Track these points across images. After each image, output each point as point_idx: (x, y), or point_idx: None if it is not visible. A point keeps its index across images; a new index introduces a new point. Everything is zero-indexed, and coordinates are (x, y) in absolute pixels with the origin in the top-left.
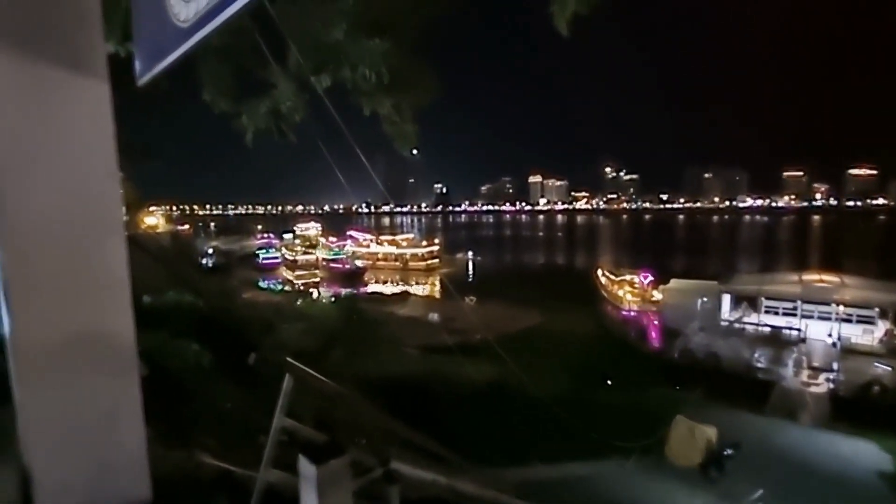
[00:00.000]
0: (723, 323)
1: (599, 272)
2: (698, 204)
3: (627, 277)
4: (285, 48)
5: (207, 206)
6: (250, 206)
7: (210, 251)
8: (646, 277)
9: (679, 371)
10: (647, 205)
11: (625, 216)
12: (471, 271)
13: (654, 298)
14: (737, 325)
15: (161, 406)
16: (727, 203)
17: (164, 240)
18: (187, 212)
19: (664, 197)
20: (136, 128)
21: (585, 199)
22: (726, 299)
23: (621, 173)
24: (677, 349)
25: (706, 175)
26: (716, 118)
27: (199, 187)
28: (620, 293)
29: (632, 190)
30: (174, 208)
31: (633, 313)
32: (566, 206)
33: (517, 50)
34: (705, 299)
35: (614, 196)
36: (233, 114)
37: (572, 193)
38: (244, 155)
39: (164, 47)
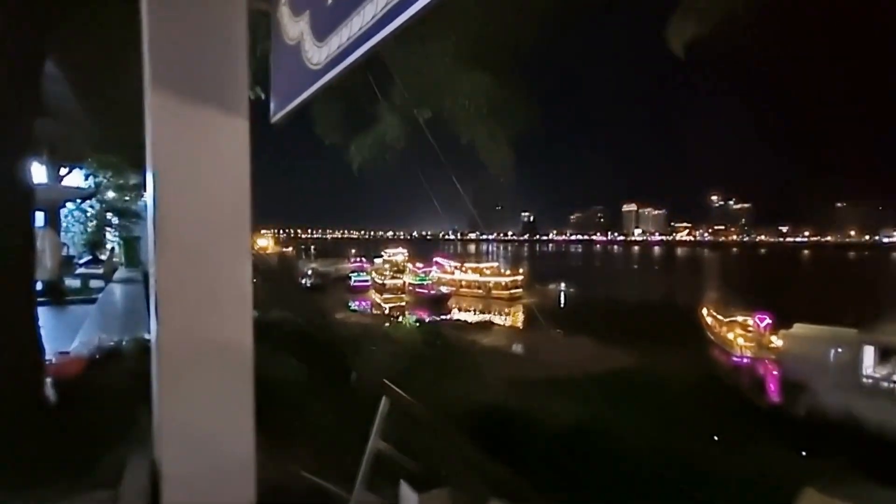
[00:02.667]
0: (865, 379)
1: (705, 311)
2: (828, 238)
3: (739, 319)
4: (391, 84)
5: (309, 230)
6: (346, 231)
7: (309, 272)
8: (762, 320)
9: (806, 433)
10: (762, 237)
11: (734, 249)
12: (558, 303)
13: (772, 345)
14: (884, 384)
15: (264, 416)
16: (867, 237)
17: (272, 260)
18: (292, 235)
19: (783, 229)
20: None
21: (687, 231)
22: (869, 351)
23: (730, 202)
24: (803, 406)
25: (838, 205)
26: (850, 139)
27: (302, 213)
28: (730, 336)
29: (743, 221)
30: (281, 231)
31: (745, 360)
32: (664, 236)
33: (609, 70)
34: (840, 350)
35: (721, 227)
36: (341, 145)
37: (672, 224)
38: (344, 183)
39: (297, 88)
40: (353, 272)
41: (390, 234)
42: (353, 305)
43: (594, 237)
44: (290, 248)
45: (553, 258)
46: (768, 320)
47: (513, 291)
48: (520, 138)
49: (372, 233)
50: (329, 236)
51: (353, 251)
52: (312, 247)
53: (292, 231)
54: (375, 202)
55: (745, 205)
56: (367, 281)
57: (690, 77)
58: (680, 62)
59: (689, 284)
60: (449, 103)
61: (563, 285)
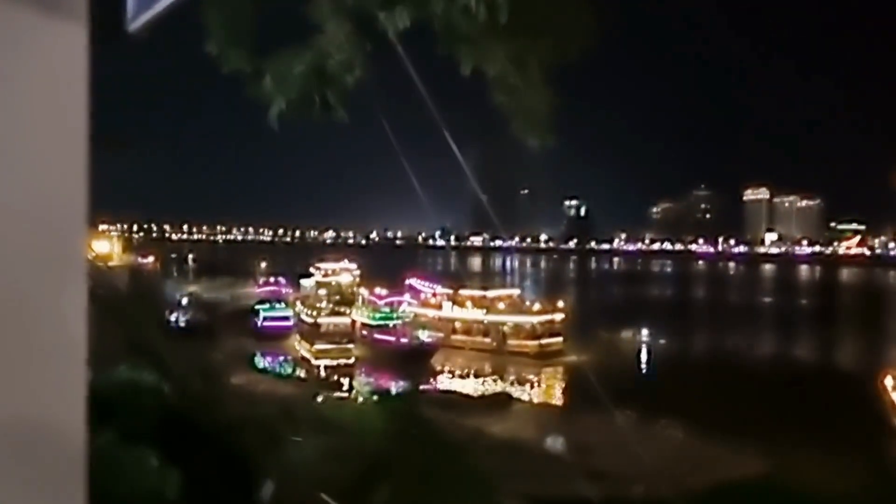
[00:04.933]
0: None
1: (889, 383)
2: None
3: None
4: None
5: (186, 227)
6: (251, 230)
7: (185, 301)
8: None
9: None
10: None
11: None
12: (637, 364)
13: None
14: None
15: None
16: None
17: (118, 278)
18: (154, 234)
19: None
20: (110, 98)
21: (858, 238)
22: None
23: None
24: None
25: None
26: None
27: (177, 195)
28: None
29: None
30: (136, 228)
31: None
32: (819, 248)
33: None
34: None
35: None
36: (250, 74)
37: (832, 224)
38: (252, 146)
39: None
40: (261, 303)
41: (330, 235)
42: (263, 362)
43: (694, 246)
44: (151, 259)
45: (621, 282)
46: None
47: (546, 341)
48: (568, 71)
49: (297, 233)
50: (220, 238)
51: (263, 265)
52: (191, 256)
53: (156, 228)
54: (305, 180)
55: None
56: (286, 319)
57: None
58: None
59: (863, 335)
60: (442, 3)
61: (644, 334)
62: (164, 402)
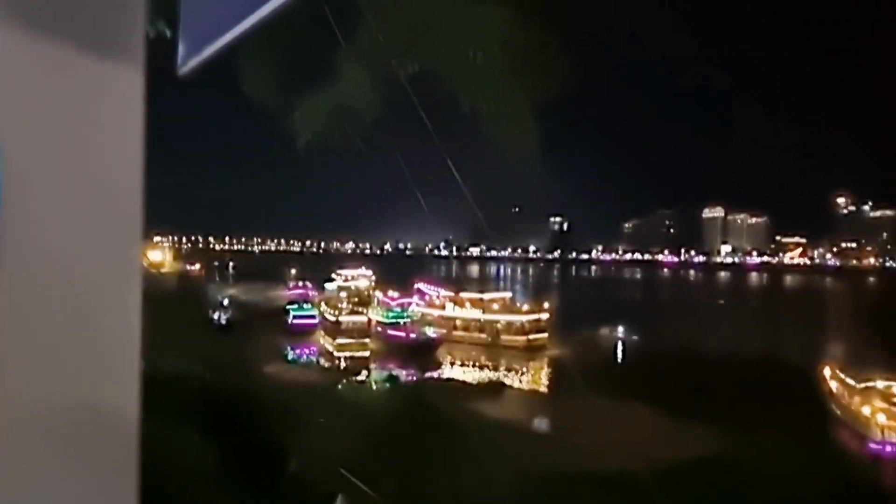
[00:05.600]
0: None
1: (827, 373)
2: None
3: (879, 385)
4: (359, 22)
5: (227, 240)
6: (282, 242)
7: (226, 302)
8: None
9: None
10: None
11: (871, 279)
12: (614, 356)
13: None
14: None
15: None
16: None
17: (168, 283)
18: (200, 245)
19: None
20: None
21: (800, 250)
22: None
23: (865, 207)
24: None
25: None
26: None
27: (218, 214)
28: (866, 411)
29: (885, 235)
30: (183, 240)
31: (888, 448)
32: (767, 258)
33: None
34: None
35: (853, 245)
36: (281, 112)
37: (777, 238)
38: (284, 171)
39: (219, 25)
40: (291, 303)
41: (350, 247)
42: (292, 354)
43: (660, 257)
44: (197, 266)
45: (598, 287)
46: None
47: (533, 337)
48: (550, 106)
49: (322, 245)
50: (257, 249)
51: (293, 272)
52: (231, 264)
53: (201, 240)
54: (329, 199)
55: (889, 212)
56: (312, 317)
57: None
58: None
59: (804, 332)
60: (445, 51)
61: (619, 330)
62: (207, 388)
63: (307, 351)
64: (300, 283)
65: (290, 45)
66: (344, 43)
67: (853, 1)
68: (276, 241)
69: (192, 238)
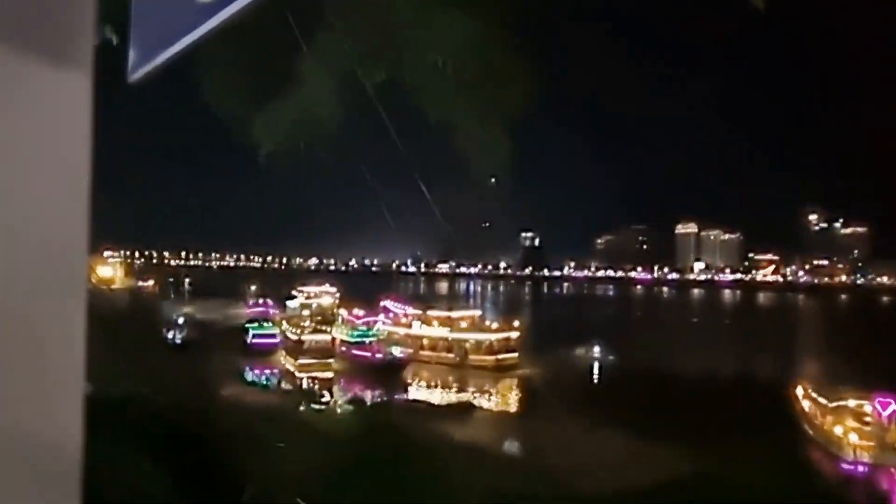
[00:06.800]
0: None
1: (799, 392)
2: None
3: (851, 404)
4: (322, 28)
5: (183, 255)
6: (243, 256)
7: (181, 320)
8: (885, 405)
9: None
10: (886, 279)
11: (843, 296)
12: (590, 376)
13: None
14: None
15: None
16: None
17: (119, 300)
18: (154, 261)
19: None
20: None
21: (773, 267)
22: None
23: (836, 224)
24: None
25: None
26: None
27: (173, 227)
28: (838, 431)
29: (856, 252)
30: (136, 255)
31: (861, 468)
32: (740, 275)
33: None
34: None
35: (824, 262)
36: (242, 120)
37: (751, 255)
38: (245, 183)
39: (174, 30)
40: (251, 322)
41: (313, 262)
42: (251, 375)
43: (633, 273)
44: (151, 283)
45: (570, 304)
46: (894, 406)
47: (503, 356)
48: (522, 119)
49: (284, 260)
50: (214, 264)
51: (253, 288)
52: (187, 280)
53: (155, 255)
54: (291, 213)
55: (860, 228)
56: (273, 336)
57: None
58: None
59: (777, 350)
60: (413, 61)
61: (590, 350)
62: (159, 411)
63: (267, 372)
64: (260, 301)
65: (250, 51)
66: (307, 49)
67: (822, 18)
68: (235, 256)
69: (146, 253)
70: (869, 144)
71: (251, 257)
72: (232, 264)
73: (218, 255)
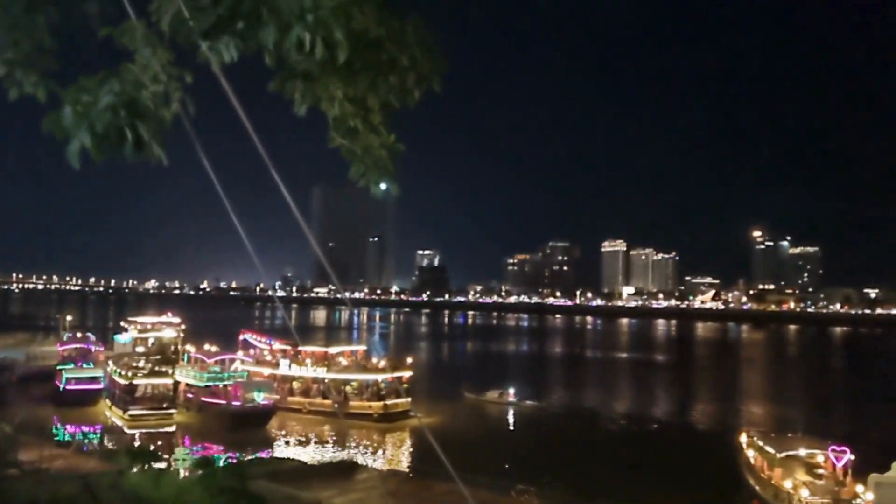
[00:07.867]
0: None
1: (744, 440)
2: None
3: (801, 453)
4: None
5: None
6: (56, 278)
7: None
8: (840, 456)
9: None
10: (840, 307)
11: (792, 326)
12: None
13: (857, 500)
14: None
15: None
16: None
17: None
18: None
19: (872, 293)
20: None
21: (713, 292)
22: None
23: (784, 242)
24: None
25: None
26: None
27: None
28: (788, 484)
29: (806, 276)
30: None
31: None
32: (675, 301)
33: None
34: None
35: (770, 287)
36: (46, 103)
37: (687, 279)
38: (54, 182)
39: None
40: (64, 362)
41: (151, 285)
42: (64, 433)
43: (551, 299)
44: None
45: (476, 337)
46: (848, 455)
47: (392, 402)
48: (417, 112)
49: (111, 283)
50: (16, 287)
51: (69, 319)
52: None
53: None
54: (118, 223)
55: (811, 248)
56: (94, 381)
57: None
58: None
59: (718, 391)
60: (274, 33)
61: (511, 393)
62: None
63: (86, 428)
64: (79, 335)
65: (60, 15)
66: (135, 17)
67: (771, 29)
68: (44, 277)
69: None
70: (822, 153)
71: (67, 279)
72: (40, 287)
73: (20, 277)
